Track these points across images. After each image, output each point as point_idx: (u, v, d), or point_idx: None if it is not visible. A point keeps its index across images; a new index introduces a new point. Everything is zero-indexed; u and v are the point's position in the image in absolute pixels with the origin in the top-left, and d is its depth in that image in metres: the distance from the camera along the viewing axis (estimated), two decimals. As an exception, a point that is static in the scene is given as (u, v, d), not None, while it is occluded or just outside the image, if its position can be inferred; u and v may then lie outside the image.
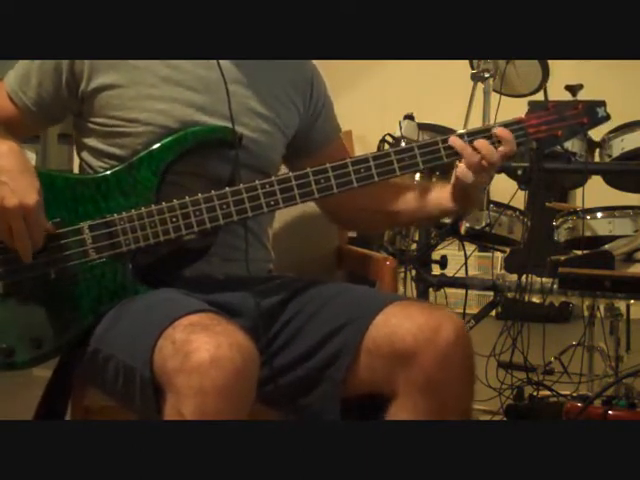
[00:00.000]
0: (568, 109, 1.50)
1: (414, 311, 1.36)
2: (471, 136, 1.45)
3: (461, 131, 1.47)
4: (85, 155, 1.52)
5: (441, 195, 1.53)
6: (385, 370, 1.34)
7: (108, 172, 1.43)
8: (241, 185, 1.41)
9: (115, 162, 1.45)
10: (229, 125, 1.45)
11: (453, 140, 1.44)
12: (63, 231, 1.38)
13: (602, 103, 1.51)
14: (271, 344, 1.43)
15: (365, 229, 1.87)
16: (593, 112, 1.51)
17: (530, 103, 1.50)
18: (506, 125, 1.46)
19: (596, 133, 2.52)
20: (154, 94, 1.45)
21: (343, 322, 1.40)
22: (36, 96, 1.47)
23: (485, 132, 1.46)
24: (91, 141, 1.50)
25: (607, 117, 1.52)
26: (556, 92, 2.43)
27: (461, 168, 1.44)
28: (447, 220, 2.61)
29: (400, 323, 1.34)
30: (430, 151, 1.45)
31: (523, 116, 1.49)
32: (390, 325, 1.35)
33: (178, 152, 1.43)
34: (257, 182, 1.41)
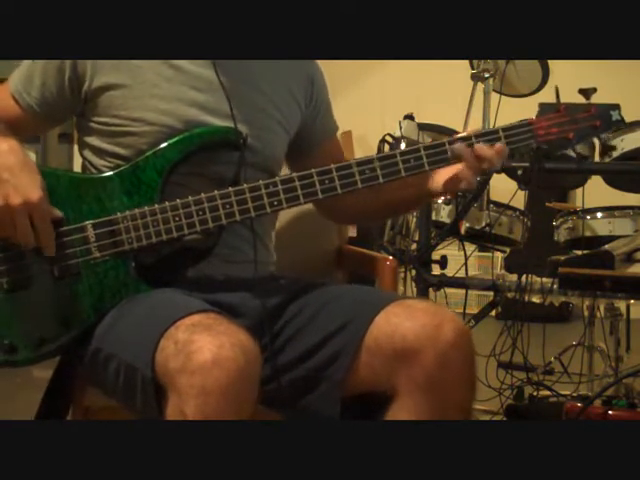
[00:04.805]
0: (580, 111, 1.47)
1: (416, 310, 1.35)
2: (478, 137, 1.44)
3: (463, 134, 1.45)
4: (88, 154, 1.52)
5: (432, 181, 1.51)
6: (386, 369, 1.34)
7: (113, 172, 1.44)
8: (244, 185, 1.41)
9: (119, 161, 1.46)
10: (232, 124, 1.45)
11: (457, 147, 1.43)
12: (67, 229, 1.39)
13: (616, 106, 1.49)
14: (272, 344, 1.43)
15: (363, 224, 1.88)
16: (606, 115, 1.48)
17: (541, 105, 1.48)
18: (515, 127, 1.45)
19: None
20: (158, 94, 1.45)
21: (343, 322, 1.39)
22: (40, 96, 1.47)
23: (491, 134, 1.45)
24: (94, 140, 1.50)
25: (621, 121, 1.49)
26: (552, 92, 2.43)
27: (464, 172, 1.44)
28: (447, 220, 2.62)
29: (402, 322, 1.34)
30: (436, 152, 1.44)
31: (533, 118, 1.47)
32: (392, 324, 1.35)
33: (183, 153, 1.43)
34: (261, 182, 1.41)
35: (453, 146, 1.43)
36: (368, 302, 1.41)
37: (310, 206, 1.77)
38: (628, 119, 2.47)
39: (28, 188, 1.32)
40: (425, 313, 1.34)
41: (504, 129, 1.45)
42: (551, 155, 2.37)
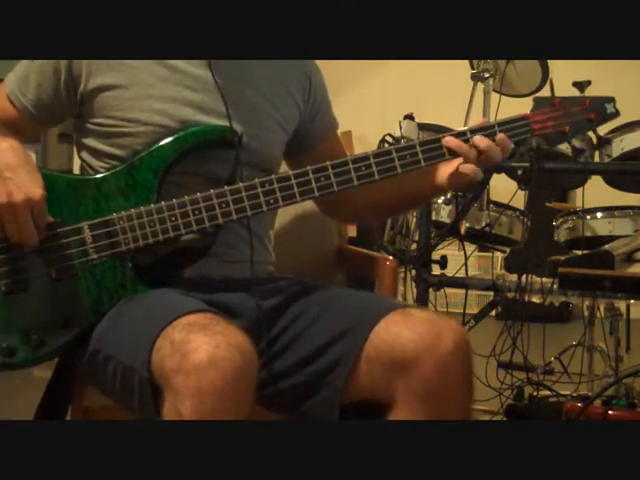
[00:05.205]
0: (575, 105, 1.47)
1: (415, 319, 1.35)
2: (474, 133, 1.44)
3: (463, 128, 1.46)
4: (85, 155, 1.52)
5: (437, 176, 1.50)
6: (385, 377, 1.34)
7: (109, 173, 1.43)
8: (240, 184, 1.40)
9: (115, 162, 1.45)
10: (228, 124, 1.44)
11: (447, 140, 1.43)
12: (64, 230, 1.38)
13: (611, 99, 1.49)
14: (270, 347, 1.43)
15: (368, 223, 1.87)
16: (601, 108, 1.48)
17: (535, 99, 1.48)
18: (510, 121, 1.45)
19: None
20: (153, 94, 1.45)
21: (344, 329, 1.39)
22: (35, 97, 1.47)
23: (487, 129, 1.45)
24: (91, 142, 1.50)
25: (616, 113, 1.49)
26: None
27: (465, 166, 1.43)
28: (447, 220, 2.62)
29: (401, 331, 1.33)
30: (432, 148, 1.43)
31: (528, 112, 1.47)
32: (391, 333, 1.34)
33: (178, 152, 1.43)
34: (256, 181, 1.40)
35: (443, 141, 1.42)
36: (369, 309, 1.40)
37: (310, 206, 1.77)
38: (627, 118, 2.47)
39: (30, 186, 1.33)
40: (425, 322, 1.34)
41: (500, 124, 1.45)
42: (551, 154, 2.37)
